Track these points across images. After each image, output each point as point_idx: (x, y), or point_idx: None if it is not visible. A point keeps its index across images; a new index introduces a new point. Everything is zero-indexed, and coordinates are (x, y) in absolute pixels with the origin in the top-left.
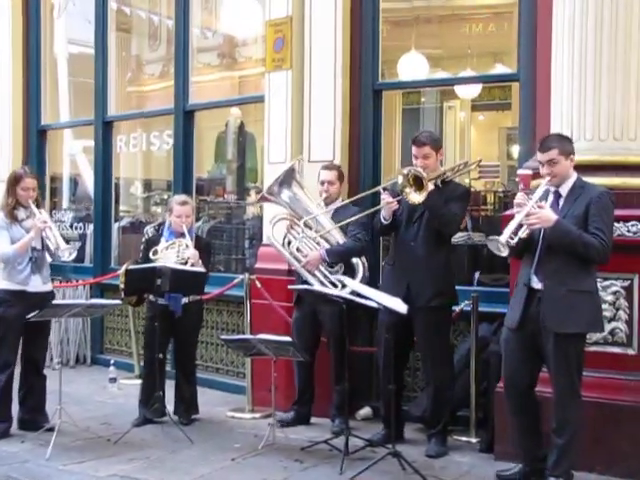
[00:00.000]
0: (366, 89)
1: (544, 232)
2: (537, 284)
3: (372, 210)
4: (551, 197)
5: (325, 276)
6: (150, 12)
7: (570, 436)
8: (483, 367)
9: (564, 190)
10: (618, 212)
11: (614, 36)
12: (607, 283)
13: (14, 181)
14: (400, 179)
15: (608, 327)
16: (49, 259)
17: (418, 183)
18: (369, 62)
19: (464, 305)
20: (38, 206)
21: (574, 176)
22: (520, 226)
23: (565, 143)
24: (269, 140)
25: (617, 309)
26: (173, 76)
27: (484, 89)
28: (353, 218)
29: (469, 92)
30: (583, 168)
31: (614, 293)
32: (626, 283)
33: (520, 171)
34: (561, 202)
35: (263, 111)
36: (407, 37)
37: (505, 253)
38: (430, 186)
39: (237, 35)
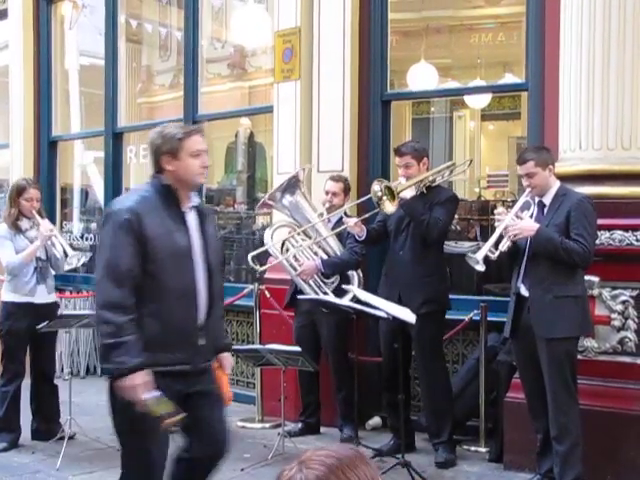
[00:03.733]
0: (374, 99)
1: (530, 241)
2: (525, 292)
3: (343, 227)
4: (535, 208)
5: (319, 286)
6: (160, 23)
7: (571, 442)
8: (492, 377)
9: (547, 199)
10: (625, 221)
11: (622, 45)
12: (616, 292)
13: (17, 192)
14: (376, 191)
15: (617, 336)
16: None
17: (392, 193)
18: (378, 72)
19: (473, 315)
20: (41, 217)
21: (556, 185)
22: (501, 239)
23: (542, 154)
24: (278, 150)
25: (626, 318)
26: (183, 87)
27: (494, 99)
28: (339, 229)
29: (479, 102)
30: (592, 178)
31: (623, 302)
32: (635, 292)
33: None
34: (546, 212)
35: (272, 121)
36: (416, 47)
37: (482, 268)
38: (407, 193)
39: (247, 46)
